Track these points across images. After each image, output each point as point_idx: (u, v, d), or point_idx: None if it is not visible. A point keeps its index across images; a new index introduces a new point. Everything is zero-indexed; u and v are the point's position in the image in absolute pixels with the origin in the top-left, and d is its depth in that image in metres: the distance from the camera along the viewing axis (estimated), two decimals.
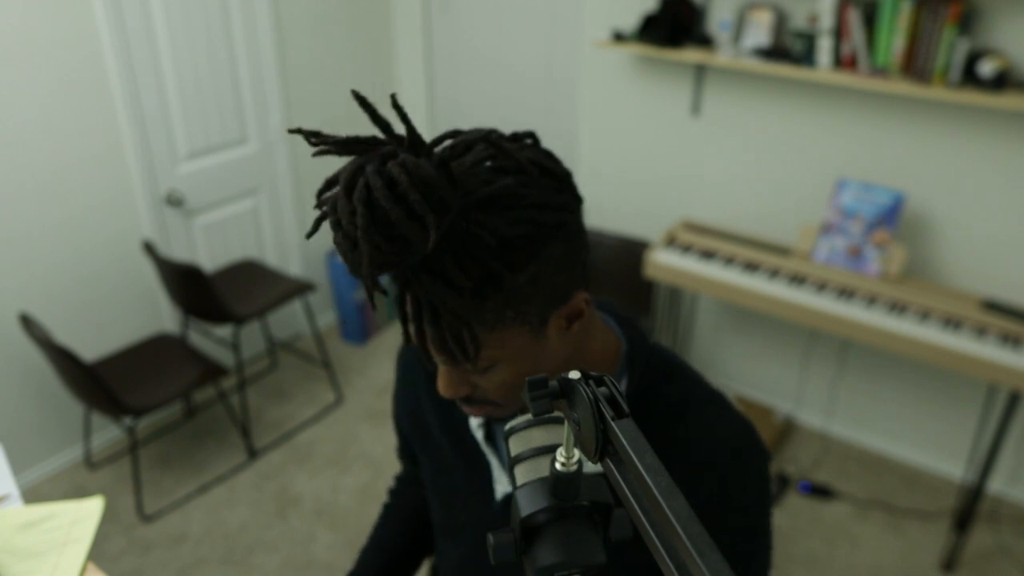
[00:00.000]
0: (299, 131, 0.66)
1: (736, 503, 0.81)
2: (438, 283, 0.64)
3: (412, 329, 0.69)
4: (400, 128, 0.67)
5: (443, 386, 0.75)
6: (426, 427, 0.98)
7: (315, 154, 0.67)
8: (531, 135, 0.73)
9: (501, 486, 0.90)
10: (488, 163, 0.68)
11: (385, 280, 0.90)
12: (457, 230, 0.64)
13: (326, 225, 3.77)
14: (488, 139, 0.68)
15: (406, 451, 1.13)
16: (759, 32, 2.76)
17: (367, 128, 3.81)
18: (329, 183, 0.66)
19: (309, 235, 0.66)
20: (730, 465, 0.81)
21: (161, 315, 3.19)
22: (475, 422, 0.90)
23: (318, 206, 0.67)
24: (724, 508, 0.80)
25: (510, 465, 0.62)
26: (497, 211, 0.65)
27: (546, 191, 0.69)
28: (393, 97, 0.67)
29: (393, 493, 1.22)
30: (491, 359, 0.71)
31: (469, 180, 0.66)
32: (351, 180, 0.62)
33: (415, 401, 1.00)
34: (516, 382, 0.74)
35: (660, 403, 0.83)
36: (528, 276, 0.68)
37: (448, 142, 0.68)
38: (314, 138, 0.65)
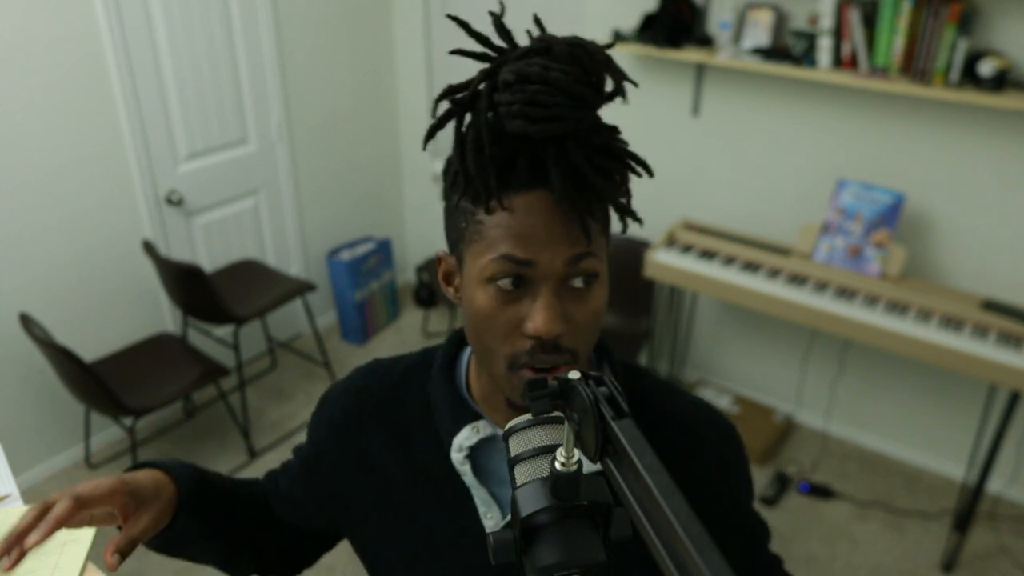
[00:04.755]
0: (455, 19, 0.75)
1: (725, 478, 0.87)
2: (612, 139, 0.71)
3: (571, 185, 0.68)
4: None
5: (548, 319, 0.70)
6: (385, 478, 0.88)
7: (452, 51, 0.75)
8: None
9: (491, 521, 0.83)
10: None
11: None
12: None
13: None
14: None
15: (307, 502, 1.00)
16: (759, 32, 2.76)
17: (369, 125, 3.81)
18: (465, 85, 0.72)
19: (443, 101, 0.73)
20: (717, 446, 0.87)
21: (161, 315, 3.19)
22: (459, 456, 0.82)
23: (460, 91, 0.72)
24: (719, 480, 0.86)
25: (510, 465, 0.62)
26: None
27: None
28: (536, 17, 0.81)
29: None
30: (600, 264, 0.73)
31: None
32: (536, 46, 0.70)
33: (364, 451, 0.90)
34: (601, 311, 0.75)
35: (639, 398, 0.86)
36: (624, 184, 0.74)
37: None
38: (463, 26, 0.75)
